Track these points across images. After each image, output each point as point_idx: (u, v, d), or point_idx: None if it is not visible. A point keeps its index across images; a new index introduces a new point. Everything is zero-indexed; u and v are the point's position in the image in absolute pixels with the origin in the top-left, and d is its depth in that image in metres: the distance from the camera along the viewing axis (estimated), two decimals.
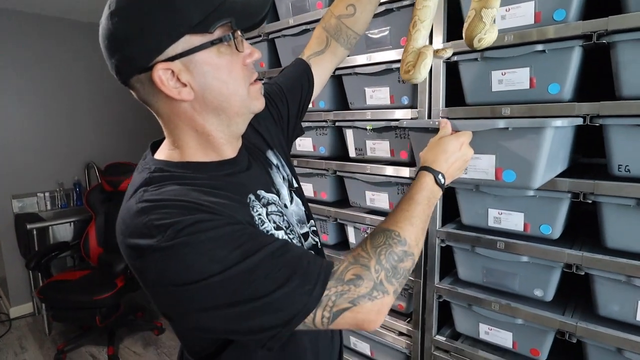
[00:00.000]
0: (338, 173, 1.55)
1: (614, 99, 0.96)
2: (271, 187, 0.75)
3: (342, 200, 1.66)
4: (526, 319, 1.14)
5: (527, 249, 1.10)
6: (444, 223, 1.32)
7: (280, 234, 0.68)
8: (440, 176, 0.76)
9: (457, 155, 0.80)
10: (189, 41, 0.57)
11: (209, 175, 0.65)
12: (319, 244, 0.85)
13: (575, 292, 1.21)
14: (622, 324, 1.02)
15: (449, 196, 1.25)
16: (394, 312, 1.50)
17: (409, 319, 1.44)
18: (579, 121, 0.98)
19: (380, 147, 1.43)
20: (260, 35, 1.70)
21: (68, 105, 3.45)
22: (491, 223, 1.17)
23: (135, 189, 0.62)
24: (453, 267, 1.31)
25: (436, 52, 0.89)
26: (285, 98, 0.92)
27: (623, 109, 0.93)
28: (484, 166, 0.96)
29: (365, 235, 0.67)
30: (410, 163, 1.35)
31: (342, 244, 1.68)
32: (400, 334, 1.44)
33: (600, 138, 1.00)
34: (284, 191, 0.79)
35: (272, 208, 0.70)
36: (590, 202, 1.00)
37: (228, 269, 0.53)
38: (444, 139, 0.82)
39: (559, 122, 0.86)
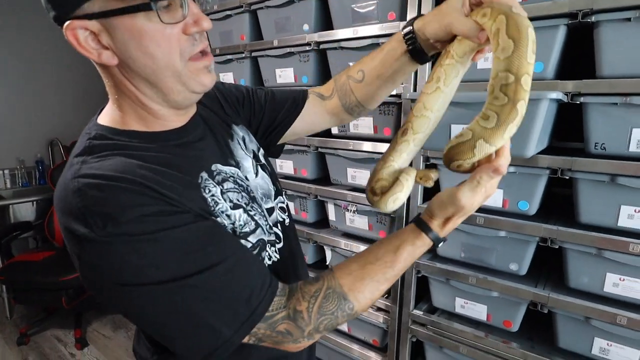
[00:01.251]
0: (320, 150, 1.53)
1: (594, 79, 0.99)
2: (229, 159, 0.70)
3: (322, 178, 1.65)
4: (501, 292, 1.18)
5: (505, 224, 1.14)
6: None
7: (238, 213, 0.64)
8: (439, 242, 0.63)
9: (471, 211, 0.62)
10: (106, 1, 0.51)
11: (158, 145, 0.60)
12: (287, 221, 0.81)
13: (548, 266, 1.27)
14: (591, 295, 1.08)
15: None
16: None
17: (387, 295, 1.46)
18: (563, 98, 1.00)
19: (363, 124, 1.43)
20: (241, 6, 1.64)
21: (29, 79, 3.24)
22: None
23: (74, 156, 0.57)
24: None
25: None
26: (265, 104, 0.85)
27: (604, 88, 0.96)
28: None
29: (315, 288, 0.61)
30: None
31: (323, 222, 1.68)
32: (379, 309, 1.47)
33: (574, 122, 1.03)
34: (247, 163, 0.75)
35: (228, 185, 0.65)
36: (567, 178, 1.04)
37: (165, 283, 0.51)
38: (470, 193, 0.57)
39: (554, 94, 0.88)
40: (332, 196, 1.53)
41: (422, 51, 0.69)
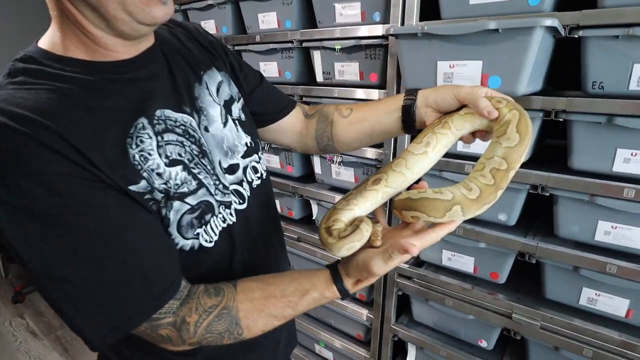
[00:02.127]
0: (304, 99, 1.45)
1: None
2: (185, 105, 0.63)
3: None
4: (489, 243, 1.13)
5: None
6: None
7: (174, 170, 0.57)
8: (347, 297, 0.61)
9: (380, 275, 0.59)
10: None
11: (97, 79, 0.53)
12: (256, 183, 0.74)
13: (540, 217, 1.22)
14: (581, 244, 1.03)
15: None
16: None
17: None
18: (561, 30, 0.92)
19: (349, 70, 1.34)
20: None
21: None
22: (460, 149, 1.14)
23: None
24: None
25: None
26: (257, 85, 0.82)
27: (605, 18, 0.87)
28: (470, 73, 0.90)
29: (212, 302, 0.58)
30: (380, 85, 1.27)
31: (308, 176, 1.63)
32: None
33: (571, 70, 0.95)
34: (214, 111, 0.68)
35: (170, 136, 0.58)
36: (561, 120, 0.96)
37: (38, 277, 0.49)
38: (382, 263, 0.54)
39: (548, 22, 0.79)
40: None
41: (413, 124, 0.70)
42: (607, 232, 0.98)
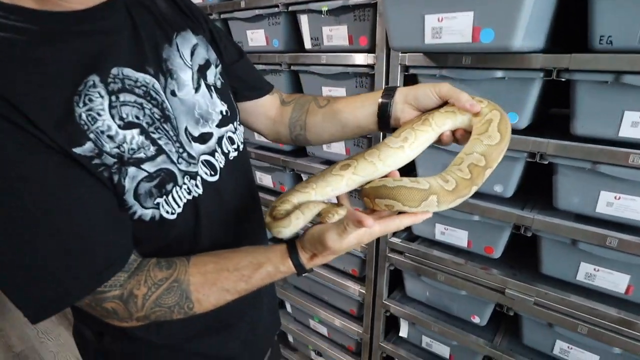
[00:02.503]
0: (292, 67, 1.37)
1: None
2: (147, 65, 0.57)
3: None
4: (483, 215, 1.07)
5: None
6: None
7: (129, 134, 0.52)
8: (303, 272, 0.59)
9: (342, 252, 0.56)
10: None
11: (45, 29, 0.47)
12: (233, 155, 0.69)
13: (536, 190, 1.15)
14: (581, 216, 0.96)
15: None
16: None
17: None
18: None
19: (337, 34, 1.25)
20: None
21: None
22: None
23: None
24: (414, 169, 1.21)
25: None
26: (237, 59, 0.78)
27: None
28: (460, 27, 0.82)
29: (163, 275, 0.55)
30: (370, 49, 1.18)
31: (300, 150, 1.56)
32: None
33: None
34: (185, 75, 0.62)
35: (127, 97, 0.53)
36: (563, 80, 0.88)
37: None
38: (337, 237, 0.52)
39: None
40: None
41: (388, 121, 0.68)
42: (610, 204, 0.90)
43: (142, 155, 0.53)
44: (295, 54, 1.34)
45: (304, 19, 1.30)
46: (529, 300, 1.03)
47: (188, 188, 0.59)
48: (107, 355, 0.69)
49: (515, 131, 0.99)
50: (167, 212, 0.57)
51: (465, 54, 0.97)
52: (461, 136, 0.62)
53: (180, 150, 0.59)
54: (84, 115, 0.48)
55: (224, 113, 0.68)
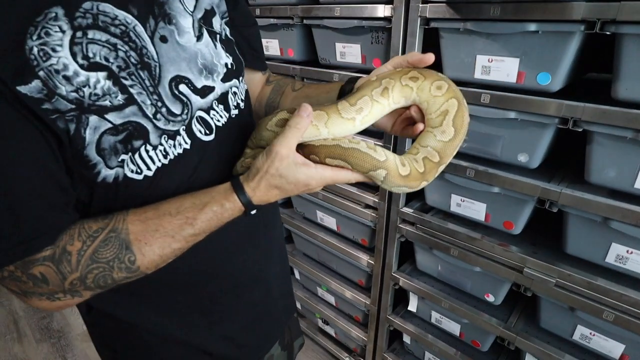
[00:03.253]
0: (305, 21, 1.27)
1: None
2: (131, 5, 0.49)
3: (311, 61, 1.41)
4: (504, 187, 0.97)
5: (517, 102, 0.89)
6: None
7: (94, 77, 0.45)
8: (252, 208, 0.54)
9: (293, 188, 0.54)
10: None
11: None
12: (233, 112, 0.63)
13: (566, 162, 1.03)
14: (616, 192, 0.86)
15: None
16: (362, 184, 1.36)
17: (377, 191, 1.30)
18: None
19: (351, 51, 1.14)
20: None
21: None
22: (479, 74, 0.95)
23: None
24: None
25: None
26: (247, 26, 0.73)
27: None
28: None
29: (98, 226, 0.49)
30: (389, 0, 1.06)
31: None
32: (367, 206, 1.32)
33: None
34: (185, 22, 0.55)
35: (98, 35, 0.45)
36: (608, 33, 0.75)
37: None
38: (297, 165, 0.52)
39: None
40: (320, 77, 1.30)
41: None
42: None
43: (106, 102, 0.46)
44: (308, 5, 1.23)
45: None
46: (550, 282, 0.94)
47: (164, 150, 0.52)
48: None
49: (546, 94, 0.88)
50: (132, 171, 0.50)
51: (494, 2, 0.85)
52: (415, 112, 0.58)
53: (159, 104, 0.51)
54: (35, 49, 0.42)
55: (229, 66, 0.61)
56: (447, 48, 0.98)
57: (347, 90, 0.64)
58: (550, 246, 1.03)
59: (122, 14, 0.48)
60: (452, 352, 1.25)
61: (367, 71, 1.18)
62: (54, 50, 0.43)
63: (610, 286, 0.87)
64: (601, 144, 0.83)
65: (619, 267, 0.88)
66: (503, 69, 0.92)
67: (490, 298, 1.13)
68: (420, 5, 0.97)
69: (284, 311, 0.83)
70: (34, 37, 0.41)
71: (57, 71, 0.43)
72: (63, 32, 0.43)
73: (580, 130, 0.83)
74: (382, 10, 1.05)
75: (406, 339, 1.42)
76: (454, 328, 1.25)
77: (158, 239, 0.50)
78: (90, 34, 0.45)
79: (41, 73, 0.42)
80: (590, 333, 0.96)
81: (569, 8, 0.77)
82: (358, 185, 1.34)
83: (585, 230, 0.90)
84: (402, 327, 1.37)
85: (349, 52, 1.22)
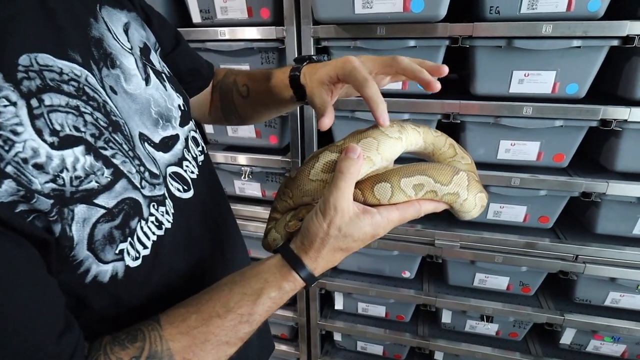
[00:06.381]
0: None
1: None
2: (71, 50, 0.39)
3: None
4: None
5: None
6: None
7: (73, 154, 0.36)
8: (313, 282, 0.46)
9: (360, 244, 0.46)
10: None
11: None
12: (199, 159, 0.56)
13: None
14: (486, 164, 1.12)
15: None
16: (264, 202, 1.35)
17: None
18: None
19: (233, 6, 1.13)
20: None
21: None
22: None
23: None
24: None
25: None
26: (175, 46, 0.64)
27: None
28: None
29: (130, 355, 0.39)
30: (275, 22, 1.10)
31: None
32: None
33: None
34: (128, 62, 0.47)
35: (55, 99, 0.36)
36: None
37: None
38: (360, 218, 0.43)
39: None
40: None
41: (303, 94, 0.58)
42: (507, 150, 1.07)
43: (92, 184, 0.37)
44: (184, 29, 1.16)
45: None
46: (455, 245, 1.16)
47: (156, 220, 0.44)
48: None
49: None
50: (133, 257, 0.41)
51: (381, 24, 0.99)
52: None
53: (141, 168, 0.43)
54: None
55: (182, 107, 0.54)
56: None
57: (296, 78, 0.58)
58: (440, 216, 1.25)
59: (66, 65, 0.39)
60: (381, 332, 1.39)
61: None
62: (15, 133, 0.32)
63: (496, 236, 1.14)
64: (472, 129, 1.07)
65: (496, 220, 1.15)
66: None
67: (407, 274, 1.31)
68: (312, 26, 1.04)
69: (263, 352, 0.78)
70: None
71: (26, 160, 0.33)
72: (14, 104, 0.33)
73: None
74: (273, 32, 1.08)
75: (337, 336, 1.49)
76: (380, 311, 1.39)
77: (211, 351, 0.41)
78: (47, 99, 0.35)
79: (9, 168, 0.31)
80: (485, 276, 1.22)
81: (438, 27, 0.97)
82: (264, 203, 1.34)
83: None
84: (333, 326, 1.44)
85: None
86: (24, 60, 0.34)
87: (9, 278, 0.31)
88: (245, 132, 1.27)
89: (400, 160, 0.50)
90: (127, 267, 0.41)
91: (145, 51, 0.52)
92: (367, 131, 0.47)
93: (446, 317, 1.31)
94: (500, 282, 1.22)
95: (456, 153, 0.53)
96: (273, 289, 0.43)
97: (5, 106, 0.32)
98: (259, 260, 0.47)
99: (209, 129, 1.31)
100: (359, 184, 0.46)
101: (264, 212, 1.32)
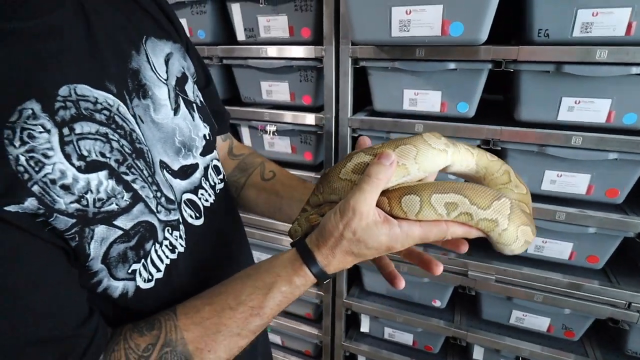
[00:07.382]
0: (225, 62, 1.24)
1: None
2: (108, 81, 0.42)
3: (232, 98, 1.37)
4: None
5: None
6: None
7: (97, 178, 0.38)
8: (325, 279, 0.45)
9: (374, 252, 0.44)
10: None
11: None
12: (218, 187, 0.58)
13: None
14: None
15: None
16: None
17: None
18: None
19: (276, 25, 1.16)
20: None
21: None
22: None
23: None
24: None
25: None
26: (206, 84, 0.66)
27: None
28: (429, 19, 0.81)
29: (147, 342, 0.42)
30: (314, 41, 1.12)
31: None
32: None
33: None
34: (160, 92, 0.49)
35: (87, 127, 0.39)
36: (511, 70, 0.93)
37: None
38: (377, 226, 0.42)
39: None
40: (244, 117, 1.28)
41: None
42: (553, 181, 1.00)
43: (113, 206, 0.40)
44: (228, 46, 1.21)
45: (235, 8, 1.18)
46: (490, 279, 1.09)
47: (170, 244, 0.46)
48: None
49: (465, 120, 1.03)
50: (145, 280, 0.44)
51: (419, 46, 0.97)
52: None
53: (158, 194, 0.45)
54: (22, 159, 0.33)
55: (207, 137, 0.56)
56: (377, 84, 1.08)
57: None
58: (476, 243, 1.19)
59: (101, 95, 0.41)
60: None
61: (295, 107, 1.21)
62: (45, 156, 0.35)
63: (537, 272, 1.05)
64: (514, 157, 1.00)
65: (538, 255, 1.07)
66: (428, 100, 1.05)
67: (437, 303, 1.25)
68: (351, 47, 1.04)
69: None
70: (17, 143, 0.33)
71: (54, 181, 0.35)
72: (48, 131, 0.36)
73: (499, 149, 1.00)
74: (312, 52, 1.10)
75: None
76: (407, 338, 1.34)
77: (222, 342, 0.43)
78: (78, 127, 0.38)
79: (35, 188, 0.34)
80: (523, 314, 1.14)
81: (479, 50, 0.93)
82: None
83: None
84: (357, 349, 1.40)
85: (277, 90, 1.23)
86: (63, 91, 0.37)
87: (40, 274, 0.35)
88: (282, 147, 1.29)
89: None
90: (137, 287, 0.43)
91: (181, 81, 0.54)
92: (410, 138, 0.45)
93: (478, 354, 1.23)
94: (540, 323, 1.13)
95: (510, 180, 0.50)
96: (284, 283, 0.44)
97: (40, 132, 0.35)
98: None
99: (246, 141, 1.34)
100: (387, 192, 0.43)
101: None
